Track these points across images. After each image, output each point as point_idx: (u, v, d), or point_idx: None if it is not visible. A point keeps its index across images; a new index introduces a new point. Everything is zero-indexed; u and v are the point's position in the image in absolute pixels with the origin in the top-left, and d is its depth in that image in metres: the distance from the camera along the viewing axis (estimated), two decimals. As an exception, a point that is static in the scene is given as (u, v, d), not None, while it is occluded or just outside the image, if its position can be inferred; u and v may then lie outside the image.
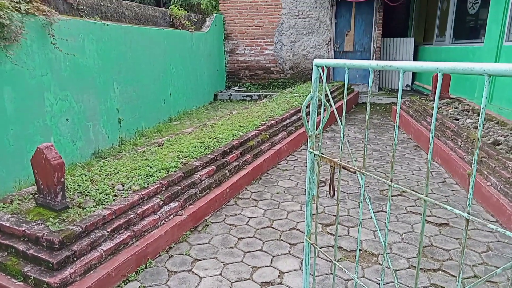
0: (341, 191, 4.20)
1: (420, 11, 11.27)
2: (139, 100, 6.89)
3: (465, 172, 4.27)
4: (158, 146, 4.52)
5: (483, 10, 7.76)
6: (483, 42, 7.39)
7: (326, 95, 2.17)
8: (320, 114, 2.23)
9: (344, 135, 1.35)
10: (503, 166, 3.82)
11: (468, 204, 0.93)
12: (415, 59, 11.05)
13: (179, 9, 8.93)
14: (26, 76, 4.36)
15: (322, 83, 1.48)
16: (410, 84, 11.15)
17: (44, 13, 4.61)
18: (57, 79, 4.84)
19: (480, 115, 0.82)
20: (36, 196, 2.95)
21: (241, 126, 5.38)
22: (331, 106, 1.43)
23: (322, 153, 1.47)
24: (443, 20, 9.46)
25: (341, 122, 1.36)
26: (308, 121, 1.54)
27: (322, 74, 1.41)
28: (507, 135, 4.65)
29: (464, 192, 4.18)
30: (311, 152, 1.55)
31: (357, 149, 5.90)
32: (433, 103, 7.06)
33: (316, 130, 1.54)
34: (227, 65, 11.65)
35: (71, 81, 5.12)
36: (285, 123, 6.06)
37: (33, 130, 4.51)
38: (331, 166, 1.40)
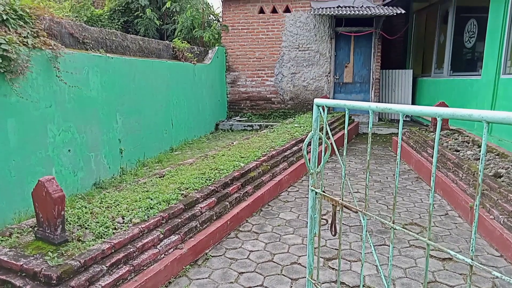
0: (342, 223, 4.17)
1: (417, 44, 11.53)
2: (141, 131, 6.95)
3: (467, 205, 4.24)
4: (159, 177, 4.52)
5: (479, 44, 7.94)
6: (480, 75, 7.52)
7: (327, 133, 2.19)
8: (322, 146, 2.24)
9: (345, 174, 1.35)
10: (505, 199, 3.80)
11: (472, 250, 0.92)
12: (414, 90, 11.20)
13: (182, 42, 9.14)
14: (30, 108, 4.43)
15: (324, 118, 1.50)
16: (410, 115, 11.23)
17: (50, 47, 4.73)
18: (60, 111, 4.90)
19: (480, 161, 0.83)
20: (36, 229, 2.93)
21: (242, 157, 5.39)
22: (332, 145, 1.44)
23: (323, 191, 1.48)
24: (441, 53, 9.66)
25: (342, 161, 1.37)
26: (309, 159, 1.55)
27: (322, 114, 1.43)
28: (508, 167, 4.65)
29: (467, 225, 4.13)
30: (312, 190, 1.55)
31: (358, 180, 5.88)
32: (433, 135, 7.11)
33: (317, 167, 1.55)
34: (228, 96, 11.80)
35: (75, 113, 5.19)
36: (286, 153, 6.08)
37: (35, 161, 4.52)
38: (332, 205, 1.40)
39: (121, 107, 6.31)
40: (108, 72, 5.98)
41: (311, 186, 1.56)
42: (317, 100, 1.50)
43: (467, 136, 6.71)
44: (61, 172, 4.95)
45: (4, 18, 4.26)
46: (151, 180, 4.36)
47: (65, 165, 5.01)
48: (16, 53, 4.13)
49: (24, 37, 4.47)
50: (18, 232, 2.99)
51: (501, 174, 4.39)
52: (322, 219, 1.60)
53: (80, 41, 5.82)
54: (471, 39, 8.38)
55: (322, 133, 1.48)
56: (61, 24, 5.41)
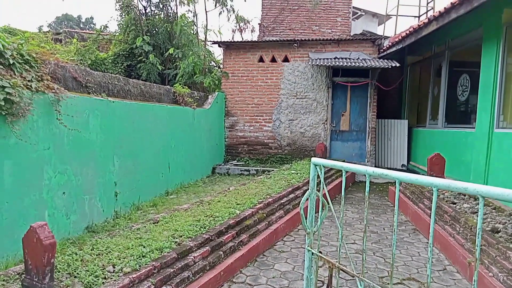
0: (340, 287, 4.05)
1: (412, 96, 11.83)
2: (138, 174, 6.92)
3: (466, 260, 4.17)
4: (153, 223, 4.45)
5: (473, 97, 8.14)
6: (474, 128, 7.65)
7: (324, 193, 2.19)
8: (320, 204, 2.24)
9: (342, 236, 1.35)
10: (504, 256, 3.74)
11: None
12: (409, 139, 11.35)
13: (182, 87, 9.35)
14: (28, 150, 4.43)
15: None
16: (406, 164, 11.32)
17: (53, 90, 4.82)
18: (58, 153, 4.91)
19: (477, 236, 0.84)
20: (23, 277, 2.84)
21: (238, 204, 5.35)
22: (329, 206, 1.44)
23: (320, 251, 1.46)
24: (435, 105, 9.88)
25: (339, 223, 1.36)
26: (306, 218, 1.55)
27: (320, 173, 1.45)
28: (505, 222, 4.62)
29: (465, 282, 4.04)
30: (309, 251, 1.53)
31: (355, 230, 5.81)
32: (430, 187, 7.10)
33: (314, 227, 1.54)
34: (226, 140, 11.90)
35: (72, 155, 5.19)
36: (282, 201, 6.04)
37: (28, 203, 4.46)
38: (329, 267, 1.38)
39: (119, 149, 6.33)
40: (108, 115, 6.05)
41: (308, 246, 1.55)
42: (314, 160, 1.52)
43: (463, 188, 6.70)
44: (54, 215, 4.87)
45: (11, 62, 4.38)
46: (145, 226, 4.29)
47: (58, 208, 4.94)
48: (19, 96, 4.20)
49: (29, 80, 4.56)
50: (4, 280, 2.90)
51: (499, 229, 4.35)
52: (318, 280, 1.56)
53: (83, 85, 5.95)
54: (464, 93, 8.62)
55: (321, 185, 1.49)
56: (66, 68, 5.55)
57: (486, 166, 7.11)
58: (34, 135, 4.52)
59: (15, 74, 4.40)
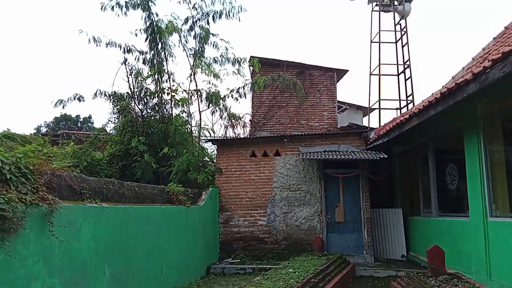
0: None
1: (403, 185, 12.01)
2: (129, 281, 6.64)
3: None
4: None
5: (463, 185, 8.24)
6: (468, 216, 7.65)
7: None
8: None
9: None
10: None
11: None
12: (406, 229, 11.22)
13: (177, 186, 9.44)
14: (16, 266, 4.30)
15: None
16: (405, 255, 11.04)
17: (47, 202, 4.84)
18: (47, 267, 4.76)
19: None
20: None
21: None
22: None
23: None
24: (427, 193, 9.99)
25: None
26: None
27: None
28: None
29: None
30: None
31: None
32: (433, 282, 6.88)
33: None
34: (221, 236, 11.66)
35: (62, 267, 5.03)
36: (280, 306, 5.74)
37: (11, 324, 4.19)
38: None
39: (110, 257, 6.15)
40: (102, 222, 6.01)
41: None
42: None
43: (467, 282, 6.49)
44: (37, 335, 4.54)
45: (8, 177, 4.47)
46: None
47: (42, 327, 4.63)
48: (13, 211, 4.20)
49: (24, 193, 4.61)
50: None
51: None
52: None
53: (78, 192, 6.00)
54: (453, 182, 8.78)
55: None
56: (61, 177, 5.65)
57: (486, 257, 6.97)
58: (25, 250, 4.43)
59: (10, 189, 4.45)
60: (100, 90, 13.05)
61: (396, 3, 16.94)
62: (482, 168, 7.18)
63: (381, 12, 17.21)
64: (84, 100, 12.84)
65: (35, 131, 29.68)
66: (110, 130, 14.99)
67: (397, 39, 17.35)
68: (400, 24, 17.30)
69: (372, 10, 17.52)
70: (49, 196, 4.97)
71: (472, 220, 7.43)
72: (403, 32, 17.18)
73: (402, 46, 17.09)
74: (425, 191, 10.13)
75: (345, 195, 11.27)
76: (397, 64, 17.08)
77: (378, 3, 17.18)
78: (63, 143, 14.21)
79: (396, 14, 17.17)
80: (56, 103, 12.54)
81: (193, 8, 13.39)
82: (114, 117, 13.61)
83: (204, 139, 13.70)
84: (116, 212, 6.46)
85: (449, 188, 9.03)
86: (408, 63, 16.70)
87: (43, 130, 34.32)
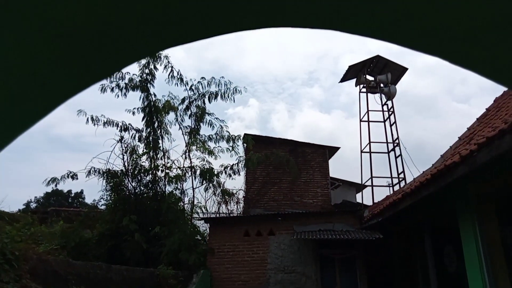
0: None
1: (401, 264, 11.65)
2: None
3: None
4: None
5: (462, 266, 7.98)
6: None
7: None
8: None
9: None
10: None
11: None
12: (407, 314, 10.65)
13: (167, 268, 9.07)
14: None
15: None
16: None
17: (30, 291, 4.61)
18: None
19: None
20: None
21: None
22: None
23: None
24: (426, 277, 9.64)
25: None
26: None
27: None
28: None
29: None
30: None
31: None
32: None
33: None
34: (212, 323, 10.93)
35: None
36: None
37: None
38: None
39: None
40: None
41: None
42: None
43: None
44: None
45: (-9, 265, 4.30)
46: None
47: None
48: (-8, 304, 3.98)
49: (6, 282, 4.40)
50: None
51: None
52: None
53: (63, 278, 5.74)
54: (452, 264, 8.56)
55: None
56: (47, 263, 5.45)
57: None
58: None
59: (-7, 277, 4.27)
60: (94, 168, 13.08)
61: (382, 85, 17.90)
62: (479, 249, 7.04)
63: (369, 93, 18.11)
64: (77, 178, 12.81)
65: (24, 207, 29.03)
66: (101, 206, 14.75)
67: (385, 119, 18.06)
68: (387, 105, 18.12)
69: (360, 92, 18.44)
70: (32, 284, 4.75)
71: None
72: (390, 112, 17.94)
73: (391, 125, 17.73)
74: (424, 273, 9.80)
75: (342, 277, 10.83)
76: (387, 143, 17.58)
77: (365, 85, 18.15)
78: (52, 220, 13.85)
79: (382, 95, 18.08)
80: (49, 182, 12.47)
81: (190, 89, 14.04)
82: (107, 194, 13.47)
83: (197, 218, 13.48)
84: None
85: (448, 270, 8.76)
86: (397, 141, 17.19)
87: (33, 205, 33.58)
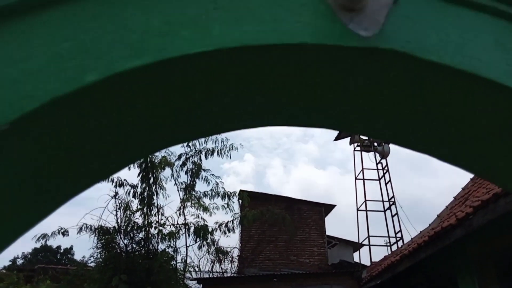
0: None
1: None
2: None
3: None
4: None
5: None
6: None
7: None
8: None
9: None
10: None
11: None
12: None
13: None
14: None
15: None
16: None
17: None
18: None
19: None
20: None
21: None
22: None
23: None
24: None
25: None
26: None
27: None
28: None
29: None
30: None
31: None
32: None
33: None
34: None
35: None
36: None
37: None
38: None
39: None
40: None
41: None
42: None
43: None
44: None
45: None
46: None
47: None
48: None
49: None
50: None
51: None
52: None
53: None
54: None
55: None
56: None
57: None
58: None
59: None
60: (86, 224, 12.79)
61: (375, 144, 18.20)
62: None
63: (363, 152, 18.36)
64: (68, 235, 12.47)
65: (10, 263, 27.89)
66: (91, 263, 14.22)
67: (380, 177, 18.13)
68: (382, 163, 18.31)
69: (354, 150, 18.71)
70: None
71: None
72: (385, 171, 18.06)
73: (386, 184, 17.77)
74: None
75: None
76: (383, 201, 17.50)
77: (359, 144, 18.45)
78: (39, 279, 13.30)
79: (376, 154, 18.31)
80: (38, 238, 12.12)
81: (187, 146, 14.17)
82: (97, 252, 13.04)
83: (189, 277, 13.02)
84: None
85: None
86: (393, 199, 17.15)
87: (20, 261, 32.25)
